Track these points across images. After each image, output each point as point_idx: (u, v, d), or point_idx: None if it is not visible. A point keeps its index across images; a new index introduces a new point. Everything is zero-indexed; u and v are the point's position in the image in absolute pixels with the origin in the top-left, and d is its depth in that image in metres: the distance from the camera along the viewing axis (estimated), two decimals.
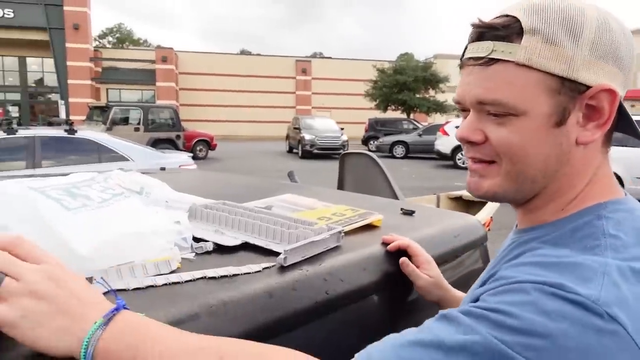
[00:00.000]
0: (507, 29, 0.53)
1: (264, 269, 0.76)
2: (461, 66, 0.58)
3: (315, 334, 0.75)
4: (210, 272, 0.72)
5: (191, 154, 7.75)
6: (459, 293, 0.88)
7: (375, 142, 20.28)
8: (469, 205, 2.95)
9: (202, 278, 0.71)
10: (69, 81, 30.49)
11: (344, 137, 17.87)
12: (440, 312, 0.50)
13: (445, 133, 14.55)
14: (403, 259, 0.89)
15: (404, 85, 25.74)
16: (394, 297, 0.92)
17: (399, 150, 18.05)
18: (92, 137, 6.10)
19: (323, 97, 36.97)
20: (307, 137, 17.31)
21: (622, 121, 0.55)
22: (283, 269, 0.77)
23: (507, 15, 0.54)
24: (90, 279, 0.67)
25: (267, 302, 0.69)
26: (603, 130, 0.54)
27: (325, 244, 0.88)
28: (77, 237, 0.71)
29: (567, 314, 0.41)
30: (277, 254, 0.82)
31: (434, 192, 4.09)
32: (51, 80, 32.17)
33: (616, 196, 0.56)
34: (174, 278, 0.70)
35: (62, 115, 26.59)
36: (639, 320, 0.42)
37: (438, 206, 2.91)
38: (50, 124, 7.53)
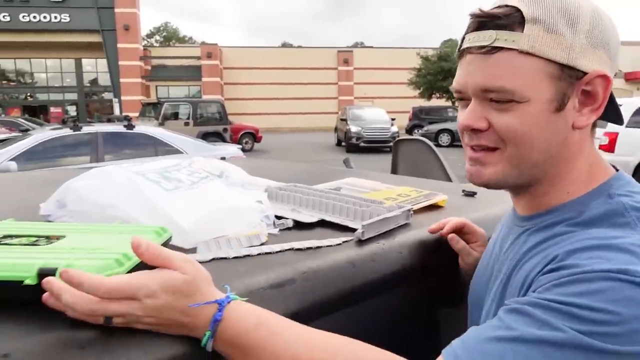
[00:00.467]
0: (508, 18, 0.55)
1: (343, 242, 0.82)
2: (459, 56, 0.60)
3: (391, 303, 0.81)
4: (296, 244, 0.80)
5: (240, 146, 7.97)
6: None
7: (420, 131, 19.96)
8: None
9: (290, 249, 0.78)
10: (121, 80, 31.90)
11: (394, 129, 16.45)
12: (508, 306, 0.51)
13: None
14: (452, 236, 0.89)
15: (449, 72, 25.11)
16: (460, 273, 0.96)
17: (445, 139, 17.71)
18: (148, 132, 6.41)
19: (365, 87, 36.73)
20: (354, 129, 16.16)
21: (609, 106, 0.57)
22: (361, 242, 0.83)
23: (506, 5, 0.56)
24: (194, 249, 0.76)
25: (351, 271, 0.75)
26: (597, 114, 0.57)
27: (396, 220, 0.93)
28: (179, 214, 0.80)
29: (635, 298, 0.44)
30: (352, 229, 0.88)
31: None
32: (104, 79, 33.76)
33: (611, 173, 0.59)
34: (266, 249, 0.77)
35: (116, 112, 27.91)
36: None
37: None
38: (109, 121, 7.95)
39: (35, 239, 0.65)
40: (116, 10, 31.03)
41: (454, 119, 20.07)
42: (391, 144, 13.29)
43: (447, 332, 0.89)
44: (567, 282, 0.48)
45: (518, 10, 0.55)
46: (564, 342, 0.44)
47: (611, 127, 7.22)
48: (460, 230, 0.91)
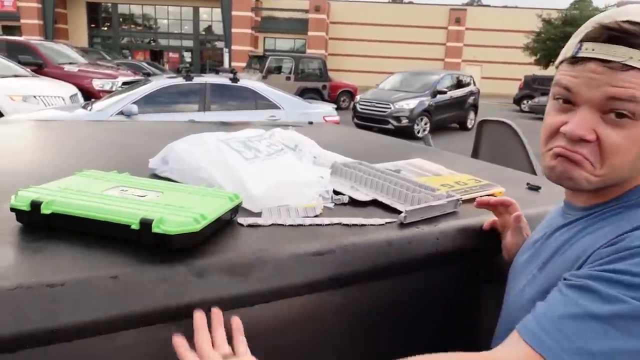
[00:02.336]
0: None
1: (386, 223, 0.93)
2: (576, 60, 0.60)
3: (422, 283, 0.91)
4: (344, 220, 0.92)
5: (335, 105, 8.12)
6: None
7: (530, 102, 18.49)
8: None
9: (338, 224, 0.91)
10: (233, 30, 33.27)
11: (403, 106, 11.05)
12: (569, 281, 0.55)
13: None
14: (518, 214, 0.91)
15: None
16: (497, 263, 1.02)
17: None
18: (250, 86, 6.80)
19: (476, 49, 34.41)
20: (357, 99, 12.47)
21: None
22: (402, 225, 0.94)
23: (638, 23, 0.56)
24: (259, 214, 0.92)
25: (386, 249, 0.87)
26: None
27: (442, 208, 1.01)
28: (252, 182, 0.97)
29: None
30: (399, 212, 0.98)
31: None
32: (218, 28, 35.49)
33: None
34: (317, 221, 0.91)
35: (226, 62, 29.41)
36: None
37: None
38: (217, 72, 8.51)
39: (142, 192, 0.84)
40: None
41: None
42: (390, 126, 10.63)
43: (471, 317, 0.98)
44: (629, 255, 0.52)
45: None
46: (630, 314, 0.48)
47: None
48: (507, 209, 0.93)
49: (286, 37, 35.67)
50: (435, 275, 0.92)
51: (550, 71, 23.49)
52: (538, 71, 23.86)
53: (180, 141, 1.14)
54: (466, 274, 0.98)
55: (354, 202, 1.05)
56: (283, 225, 0.89)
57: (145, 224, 0.70)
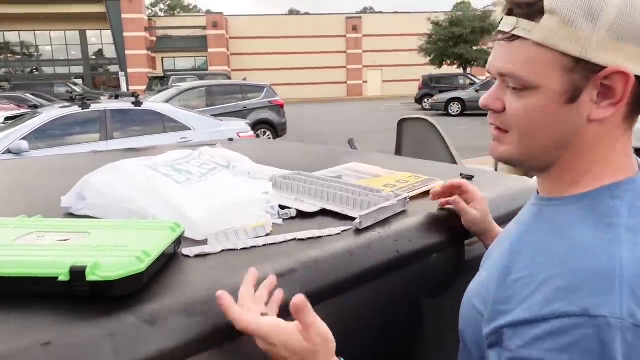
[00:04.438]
0: (530, 7, 0.55)
1: (342, 231, 0.89)
2: (493, 38, 0.62)
3: (386, 287, 0.88)
4: (298, 235, 0.87)
5: (248, 121, 8.01)
6: (499, 228, 0.96)
7: (430, 100, 19.76)
8: None
9: (293, 239, 0.85)
10: (127, 52, 31.72)
11: None
12: None
13: None
14: (454, 197, 0.99)
15: (460, 38, 24.57)
16: (455, 255, 1.02)
17: (455, 108, 17.53)
18: (156, 109, 6.46)
19: (375, 54, 36.13)
20: None
21: None
22: (359, 231, 0.90)
23: None
24: (205, 241, 0.83)
25: (348, 259, 0.82)
26: (617, 109, 0.55)
27: (393, 209, 0.99)
28: (190, 207, 0.87)
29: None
30: (352, 218, 0.95)
31: None
32: (110, 51, 33.58)
33: (632, 173, 0.58)
34: (270, 240, 0.84)
35: (123, 86, 27.88)
36: None
37: (496, 169, 2.93)
38: (117, 97, 7.98)
39: (63, 236, 0.72)
40: None
41: (465, 87, 19.83)
42: None
43: (439, 314, 0.97)
44: (544, 335, 0.49)
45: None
46: None
47: None
48: (459, 189, 1.00)
49: (186, 56, 34.75)
50: (399, 277, 0.89)
51: (444, 70, 25.34)
52: (434, 71, 25.59)
53: (97, 172, 1.01)
54: (429, 270, 0.96)
55: (302, 215, 0.99)
56: (235, 249, 0.81)
57: (77, 272, 0.59)
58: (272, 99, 10.84)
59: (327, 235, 0.87)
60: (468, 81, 21.16)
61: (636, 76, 0.54)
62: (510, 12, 0.58)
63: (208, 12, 39.12)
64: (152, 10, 53.87)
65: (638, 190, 0.56)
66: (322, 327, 0.59)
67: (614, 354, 0.46)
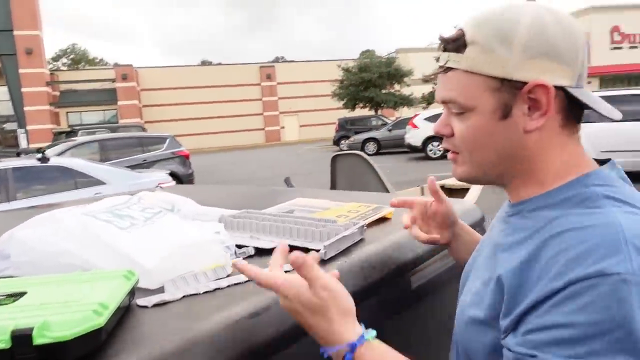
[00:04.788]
0: (456, 42, 0.64)
1: None
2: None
3: (363, 316, 0.85)
4: None
5: (168, 171, 7.70)
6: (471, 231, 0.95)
7: (347, 141, 20.52)
8: (452, 193, 3.11)
9: None
10: (26, 108, 29.56)
11: None
12: (518, 354, 0.53)
13: (415, 126, 14.87)
14: (430, 180, 0.92)
15: (370, 82, 26.05)
16: (420, 276, 1.02)
17: (371, 147, 18.33)
18: (65, 164, 6.00)
19: (290, 101, 37.07)
20: None
21: (579, 103, 0.61)
22: (324, 262, 0.87)
23: (460, 29, 0.65)
24: (161, 289, 0.75)
25: None
26: (547, 117, 0.60)
27: (352, 238, 0.98)
28: (140, 253, 0.79)
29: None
30: (314, 250, 0.92)
31: (411, 185, 4.24)
32: (6, 108, 31.06)
33: (592, 168, 0.63)
34: (234, 280, 0.78)
35: (23, 144, 25.77)
36: None
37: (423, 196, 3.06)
38: (18, 155, 7.32)
39: None
40: (15, 32, 28.80)
41: (378, 127, 20.87)
42: None
43: (407, 336, 0.96)
44: (562, 300, 0.50)
45: (464, 33, 0.63)
46: None
47: None
48: (428, 208, 0.92)
49: (94, 110, 33.15)
50: (370, 304, 0.87)
51: (357, 112, 26.58)
52: (348, 114, 26.72)
53: (21, 226, 0.89)
54: (396, 295, 0.95)
55: (260, 252, 0.94)
56: (197, 294, 0.74)
57: (21, 336, 0.49)
58: (176, 150, 10.33)
59: (293, 269, 0.83)
60: (380, 122, 22.34)
61: (562, 87, 0.60)
62: (443, 49, 0.66)
63: (116, 65, 37.91)
64: (53, 65, 51.26)
65: (605, 178, 0.61)
66: (329, 283, 0.62)
67: (630, 308, 0.47)
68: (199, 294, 0.74)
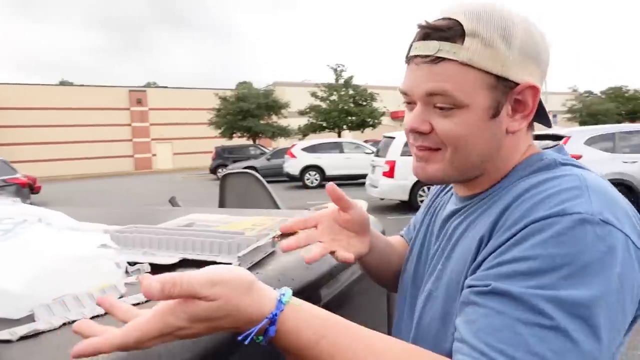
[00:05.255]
0: (451, 31, 0.58)
1: None
2: (407, 61, 0.63)
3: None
4: None
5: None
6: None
7: (224, 170, 20.09)
8: None
9: None
10: None
11: None
12: (477, 289, 0.51)
13: (293, 155, 15.18)
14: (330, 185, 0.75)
15: (248, 112, 26.06)
16: (337, 286, 0.96)
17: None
18: None
19: (163, 128, 35.27)
20: None
21: (540, 111, 0.65)
22: None
23: (449, 18, 0.60)
24: (32, 317, 0.58)
25: None
26: (528, 120, 0.62)
27: (265, 249, 0.89)
28: (2, 274, 0.61)
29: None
30: (220, 264, 0.80)
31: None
32: None
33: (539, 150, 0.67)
34: (132, 300, 0.64)
35: None
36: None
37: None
38: None
39: None
40: None
41: (257, 156, 20.85)
42: None
43: None
44: (522, 238, 0.51)
45: (459, 23, 0.59)
46: (547, 300, 0.47)
47: (390, 156, 8.51)
48: (337, 219, 0.76)
49: None
50: None
51: (235, 141, 26.28)
52: (225, 142, 26.26)
53: None
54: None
55: (158, 269, 0.80)
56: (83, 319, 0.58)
57: None
58: (8, 177, 8.83)
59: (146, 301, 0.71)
60: (259, 151, 22.37)
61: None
62: (426, 37, 0.60)
63: None
64: None
65: (552, 154, 0.63)
66: (208, 275, 0.47)
67: (585, 245, 0.48)
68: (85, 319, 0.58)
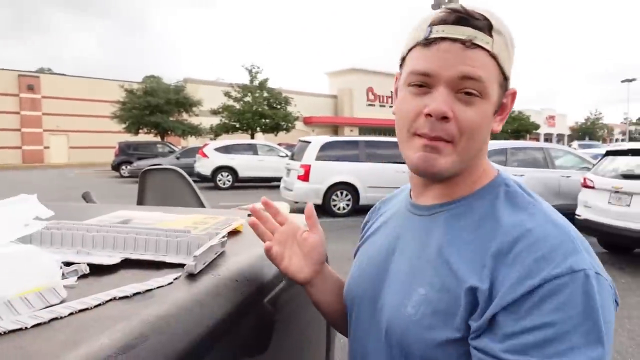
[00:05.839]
0: (484, 21, 0.59)
1: (175, 279, 0.68)
2: (427, 43, 0.60)
3: (250, 332, 0.71)
4: (116, 292, 0.60)
5: None
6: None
7: (129, 167, 18.86)
8: None
9: (112, 299, 0.59)
10: None
11: None
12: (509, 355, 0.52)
13: (205, 155, 14.70)
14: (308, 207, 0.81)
15: (156, 108, 24.69)
16: (292, 287, 0.93)
17: None
18: None
19: (58, 118, 32.14)
20: None
21: None
22: (193, 276, 0.70)
23: (480, 13, 0.60)
24: None
25: (201, 311, 0.62)
26: (502, 123, 0.66)
27: (215, 249, 0.83)
28: None
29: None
30: (170, 265, 0.74)
31: None
32: None
33: (497, 170, 0.69)
34: (77, 305, 0.56)
35: None
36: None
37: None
38: None
39: None
40: None
41: (165, 154, 19.87)
42: None
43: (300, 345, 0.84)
44: (540, 301, 0.52)
45: (487, 19, 0.60)
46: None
47: (305, 160, 8.60)
48: (297, 232, 0.80)
49: None
50: (251, 319, 0.74)
51: (141, 137, 24.77)
52: (130, 138, 24.64)
53: None
54: (276, 306, 0.83)
55: (97, 270, 0.71)
56: (23, 329, 0.49)
57: None
58: None
59: (158, 287, 0.64)
60: (167, 149, 21.31)
61: None
62: (460, 22, 0.59)
63: None
64: None
65: (509, 179, 0.67)
66: None
67: (594, 298, 0.52)
68: (27, 328, 0.49)
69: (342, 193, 8.75)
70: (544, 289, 0.52)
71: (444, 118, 0.60)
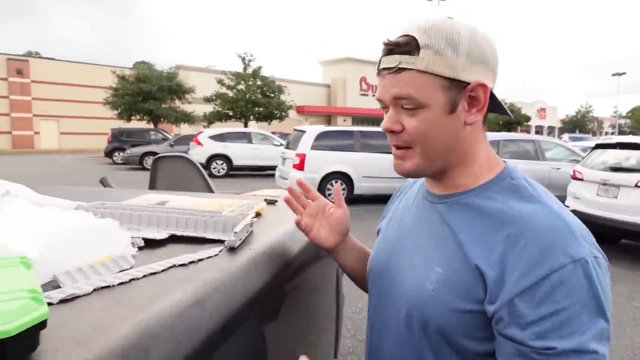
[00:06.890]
0: (408, 46, 0.71)
1: (220, 252, 0.78)
2: (378, 74, 0.76)
3: (281, 293, 0.82)
4: (174, 260, 0.71)
5: None
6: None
7: (122, 154, 18.82)
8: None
9: (173, 266, 0.69)
10: None
11: None
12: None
13: (199, 143, 14.72)
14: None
15: (149, 94, 24.53)
16: (318, 261, 1.04)
17: (150, 161, 17.21)
18: None
19: (49, 103, 31.81)
20: None
21: (494, 105, 0.77)
22: (233, 250, 0.81)
23: (407, 35, 0.73)
24: (52, 283, 0.58)
25: (244, 275, 0.73)
26: (482, 113, 0.73)
27: (247, 228, 0.94)
28: (18, 241, 0.60)
29: None
30: (210, 240, 0.85)
31: None
32: None
33: (504, 165, 0.79)
34: (146, 270, 0.66)
35: None
36: None
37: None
38: None
39: None
40: None
41: (158, 141, 19.81)
42: None
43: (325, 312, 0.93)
44: (546, 295, 0.61)
45: (415, 38, 0.70)
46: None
47: (300, 149, 8.69)
48: (326, 206, 0.93)
49: None
50: (292, 287, 0.85)
51: (134, 124, 24.63)
52: (123, 124, 24.47)
53: None
54: (312, 277, 0.95)
55: (150, 243, 0.82)
56: (111, 286, 0.60)
57: None
58: None
59: (207, 257, 0.75)
60: (161, 136, 21.25)
61: (491, 89, 0.74)
62: (389, 53, 0.72)
63: None
64: None
65: (516, 172, 0.77)
66: None
67: (595, 281, 0.62)
68: (114, 285, 0.60)
69: (337, 182, 8.88)
70: (552, 279, 0.62)
71: (393, 132, 0.73)
